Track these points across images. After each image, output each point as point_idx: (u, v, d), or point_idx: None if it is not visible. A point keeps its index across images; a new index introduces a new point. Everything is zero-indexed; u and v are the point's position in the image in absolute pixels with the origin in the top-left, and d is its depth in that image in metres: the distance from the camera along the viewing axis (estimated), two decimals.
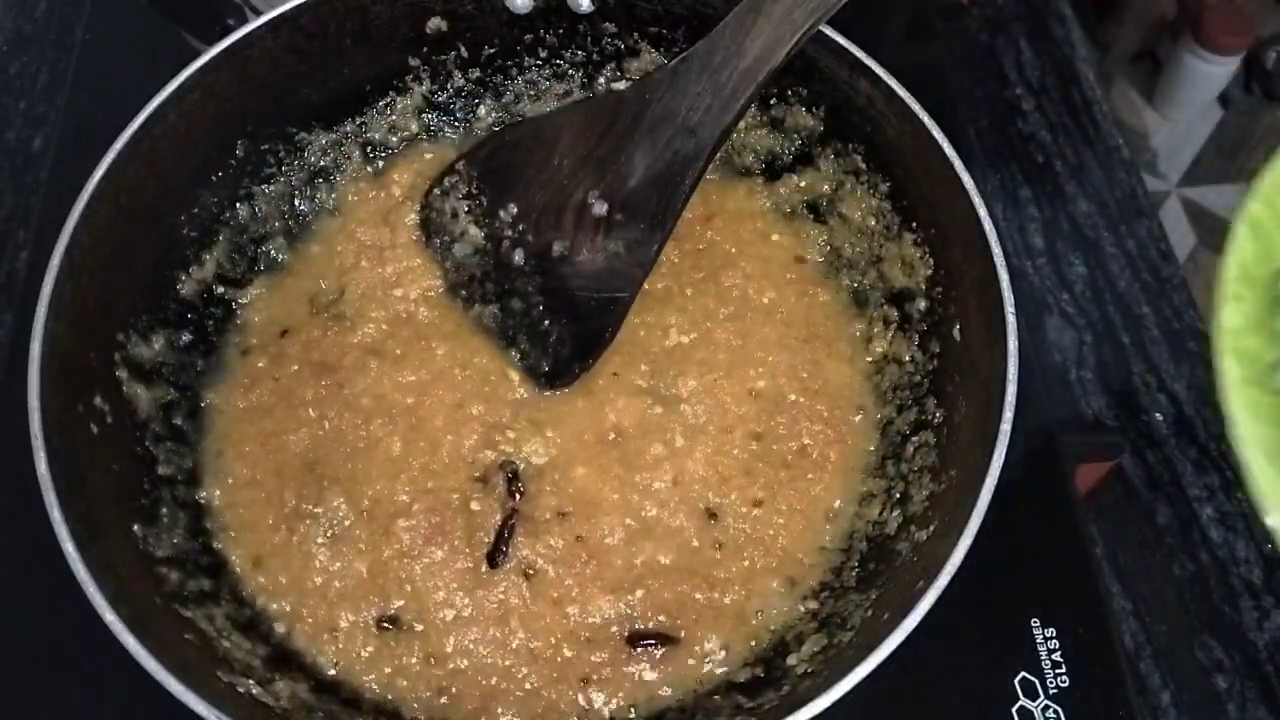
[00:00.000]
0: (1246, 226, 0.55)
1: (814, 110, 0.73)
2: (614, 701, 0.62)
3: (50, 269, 0.61)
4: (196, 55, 0.67)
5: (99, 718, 0.67)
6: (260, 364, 0.71)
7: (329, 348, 0.71)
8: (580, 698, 0.62)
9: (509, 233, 0.70)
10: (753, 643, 0.63)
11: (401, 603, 0.64)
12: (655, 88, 0.64)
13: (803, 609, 0.64)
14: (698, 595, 0.64)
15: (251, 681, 0.58)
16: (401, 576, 0.64)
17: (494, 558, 0.64)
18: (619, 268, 0.66)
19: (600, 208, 0.66)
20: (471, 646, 0.63)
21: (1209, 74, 1.58)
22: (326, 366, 0.70)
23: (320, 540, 0.65)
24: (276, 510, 0.67)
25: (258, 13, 0.70)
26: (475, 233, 0.72)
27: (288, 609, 0.64)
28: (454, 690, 0.62)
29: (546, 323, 0.69)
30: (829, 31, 0.66)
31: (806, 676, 0.58)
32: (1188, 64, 1.58)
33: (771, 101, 0.75)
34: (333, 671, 0.63)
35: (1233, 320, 0.53)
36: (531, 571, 0.64)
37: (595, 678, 0.62)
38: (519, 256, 0.70)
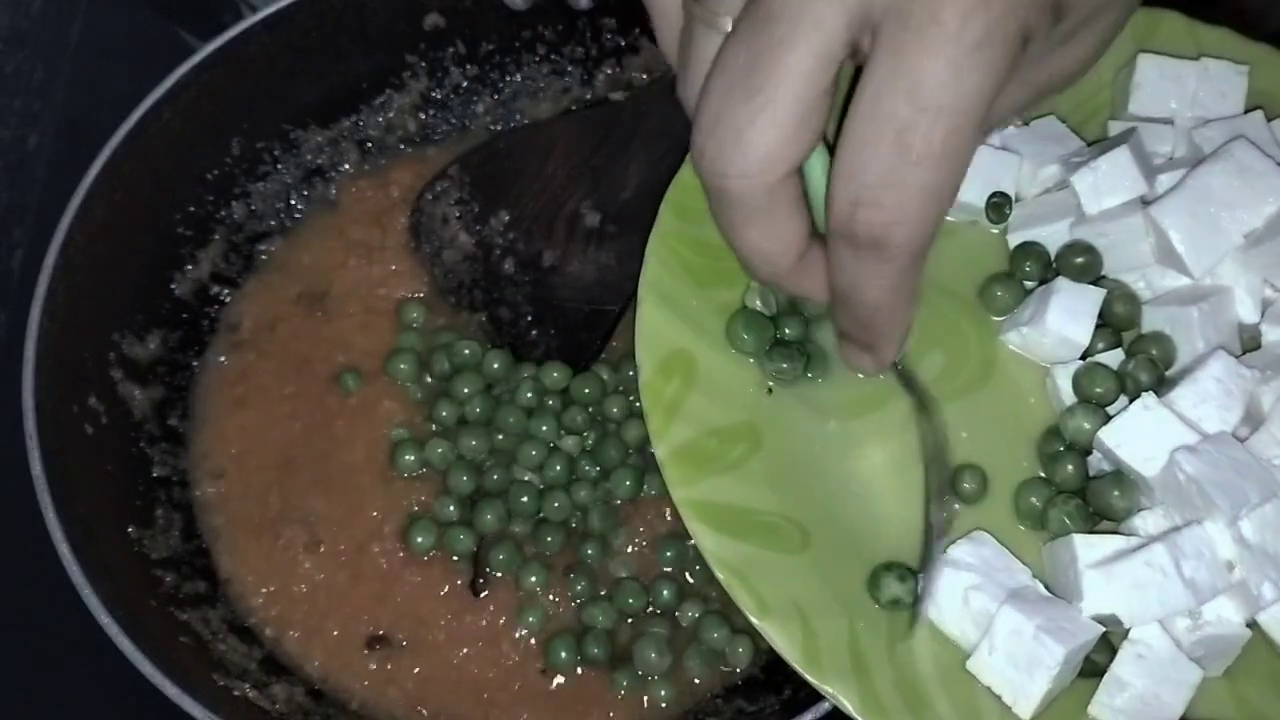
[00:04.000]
0: None
1: None
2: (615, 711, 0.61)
3: (45, 268, 0.61)
4: (192, 52, 0.67)
5: None
6: (250, 358, 0.70)
7: (309, 343, 0.70)
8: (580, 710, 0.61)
9: (499, 240, 0.70)
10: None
11: (388, 619, 0.62)
12: (653, 100, 0.64)
13: None
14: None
15: (248, 685, 0.58)
16: (385, 591, 0.63)
17: (475, 585, 0.62)
18: (610, 280, 0.66)
19: (593, 218, 0.66)
20: (462, 664, 0.61)
21: None
22: (306, 362, 0.69)
23: (303, 547, 0.64)
24: (262, 513, 0.65)
25: (254, 9, 0.70)
26: (465, 239, 0.71)
27: (276, 615, 0.63)
28: (448, 705, 0.61)
29: (534, 333, 0.68)
30: None
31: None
32: None
33: None
34: (322, 678, 0.62)
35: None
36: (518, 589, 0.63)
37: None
38: (509, 265, 0.69)
